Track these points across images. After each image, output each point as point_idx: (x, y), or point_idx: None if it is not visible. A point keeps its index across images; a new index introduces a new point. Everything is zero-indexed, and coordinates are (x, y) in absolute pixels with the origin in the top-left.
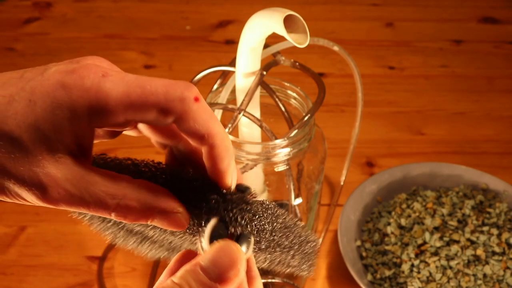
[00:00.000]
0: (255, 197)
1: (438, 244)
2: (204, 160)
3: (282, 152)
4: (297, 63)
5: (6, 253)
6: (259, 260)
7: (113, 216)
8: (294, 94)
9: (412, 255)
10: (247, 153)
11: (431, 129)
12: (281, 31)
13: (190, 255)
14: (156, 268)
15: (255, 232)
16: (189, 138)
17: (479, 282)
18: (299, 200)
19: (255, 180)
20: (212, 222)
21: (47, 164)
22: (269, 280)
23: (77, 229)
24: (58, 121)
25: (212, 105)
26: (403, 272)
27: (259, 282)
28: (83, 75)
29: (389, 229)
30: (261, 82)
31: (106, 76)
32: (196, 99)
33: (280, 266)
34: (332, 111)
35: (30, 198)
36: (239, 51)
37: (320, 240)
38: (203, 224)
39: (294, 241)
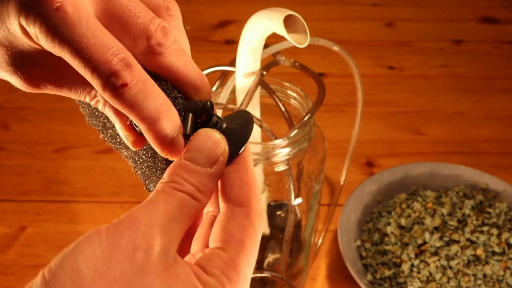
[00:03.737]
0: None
1: (438, 244)
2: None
3: (282, 152)
4: (297, 63)
5: (6, 253)
6: None
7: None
8: (294, 94)
9: (412, 255)
10: None
11: (431, 129)
12: (281, 31)
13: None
14: None
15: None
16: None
17: (479, 282)
18: (299, 200)
19: None
20: (191, 115)
21: None
22: (264, 275)
23: (77, 229)
24: None
25: None
26: (403, 272)
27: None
28: None
29: (389, 229)
30: (261, 82)
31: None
32: None
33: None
34: (332, 111)
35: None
36: (239, 51)
37: (320, 239)
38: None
39: None
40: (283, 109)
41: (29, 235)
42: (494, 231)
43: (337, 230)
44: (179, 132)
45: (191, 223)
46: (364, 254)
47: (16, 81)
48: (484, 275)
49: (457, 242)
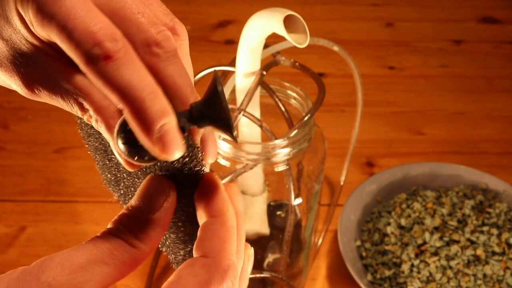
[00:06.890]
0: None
1: (438, 244)
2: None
3: (282, 152)
4: (297, 63)
5: (6, 253)
6: None
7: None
8: (294, 94)
9: (412, 255)
10: (247, 153)
11: (431, 129)
12: (281, 31)
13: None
14: (154, 268)
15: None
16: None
17: (479, 282)
18: (299, 200)
19: (255, 180)
20: None
21: None
22: (264, 275)
23: (77, 229)
24: None
25: None
26: (403, 272)
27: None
28: None
29: (389, 229)
30: (261, 82)
31: None
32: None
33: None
34: (332, 111)
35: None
36: (239, 51)
37: (320, 240)
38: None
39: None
40: (283, 109)
41: (29, 235)
42: (494, 231)
43: (337, 230)
44: (170, 121)
45: (127, 269)
46: (364, 254)
47: (15, 82)
48: (484, 275)
49: (457, 242)
